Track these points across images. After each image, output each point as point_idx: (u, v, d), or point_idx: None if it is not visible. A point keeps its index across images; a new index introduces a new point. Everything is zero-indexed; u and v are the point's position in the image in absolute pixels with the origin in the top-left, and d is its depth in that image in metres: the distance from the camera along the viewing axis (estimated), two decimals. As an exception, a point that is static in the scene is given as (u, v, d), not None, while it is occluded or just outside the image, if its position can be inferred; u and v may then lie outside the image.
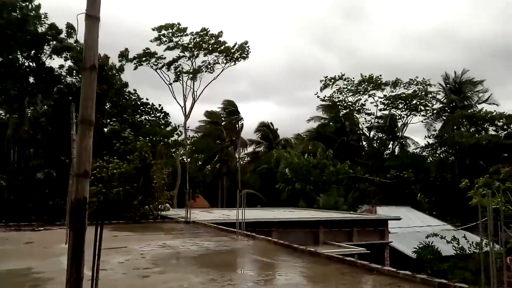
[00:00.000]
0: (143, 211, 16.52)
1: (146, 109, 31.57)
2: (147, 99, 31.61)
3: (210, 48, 37.53)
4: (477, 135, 37.90)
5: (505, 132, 37.89)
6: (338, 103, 46.26)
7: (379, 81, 44.71)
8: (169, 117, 32.95)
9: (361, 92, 45.86)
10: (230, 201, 38.98)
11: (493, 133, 38.46)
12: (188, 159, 42.11)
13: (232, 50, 37.86)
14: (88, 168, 2.91)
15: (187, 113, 38.49)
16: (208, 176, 47.68)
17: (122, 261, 7.89)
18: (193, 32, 36.86)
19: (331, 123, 44.14)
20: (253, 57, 69.31)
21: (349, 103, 46.60)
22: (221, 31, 37.29)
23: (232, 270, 7.71)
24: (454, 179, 37.04)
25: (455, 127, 40.00)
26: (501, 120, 38.05)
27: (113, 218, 15.23)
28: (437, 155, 43.03)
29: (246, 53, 38.16)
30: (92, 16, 2.98)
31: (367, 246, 18.29)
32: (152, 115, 31.59)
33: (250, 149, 49.91)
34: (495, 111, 38.53)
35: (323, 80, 46.37)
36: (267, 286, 6.56)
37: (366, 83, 45.06)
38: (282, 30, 76.80)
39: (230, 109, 46.01)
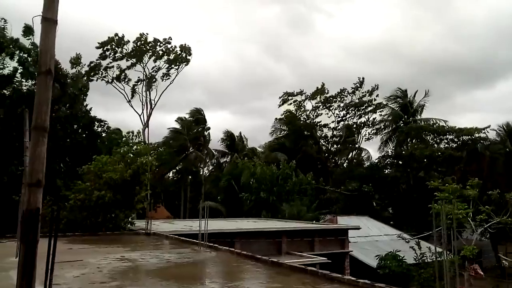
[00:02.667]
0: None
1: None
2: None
3: (159, 53, 37.44)
4: (432, 147, 39.87)
5: (455, 145, 40.09)
6: (297, 116, 47.30)
7: (327, 95, 46.26)
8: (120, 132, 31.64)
9: (319, 107, 47.30)
10: (193, 212, 38.39)
11: (444, 145, 40.64)
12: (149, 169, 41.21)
13: (176, 51, 37.75)
14: (41, 177, 2.77)
15: (145, 122, 37.82)
16: (170, 186, 46.76)
17: (77, 275, 7.51)
18: (135, 40, 36.64)
19: (291, 136, 44.97)
20: (206, 65, 69.98)
21: (306, 116, 47.85)
22: (170, 37, 37.39)
23: (194, 282, 7.54)
24: (410, 189, 38.68)
25: (408, 140, 41.75)
26: (452, 133, 40.24)
27: (76, 229, 14.60)
28: (394, 166, 44.71)
29: (189, 53, 38.20)
30: (49, 19, 2.87)
31: (328, 256, 18.57)
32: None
33: (214, 159, 49.69)
34: (447, 125, 40.80)
35: (281, 96, 47.57)
36: (229, 298, 6.48)
37: (319, 96, 46.53)
38: (233, 38, 77.55)
39: (197, 117, 45.70)
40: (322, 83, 46.89)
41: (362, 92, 46.57)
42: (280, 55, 76.68)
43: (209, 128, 46.23)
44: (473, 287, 26.56)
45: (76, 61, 34.15)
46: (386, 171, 44.83)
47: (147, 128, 37.58)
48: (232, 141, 47.12)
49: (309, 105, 47.97)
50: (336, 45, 77.07)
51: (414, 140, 41.02)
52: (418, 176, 38.61)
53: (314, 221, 26.61)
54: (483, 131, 38.75)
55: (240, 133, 47.92)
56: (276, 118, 47.54)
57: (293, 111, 47.53)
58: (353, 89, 46.66)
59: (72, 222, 15.01)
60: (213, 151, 48.00)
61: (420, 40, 75.28)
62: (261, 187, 31.97)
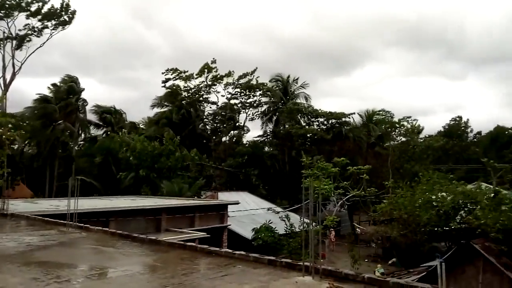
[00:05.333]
0: None
1: None
2: None
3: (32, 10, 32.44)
4: (305, 128, 43.59)
5: (325, 127, 44.49)
6: (181, 92, 45.95)
7: (216, 73, 46.02)
8: None
9: (206, 84, 46.78)
10: (61, 190, 34.89)
11: (316, 127, 44.81)
12: (7, 141, 35.79)
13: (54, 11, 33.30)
14: None
15: (4, 87, 32.52)
16: (34, 162, 41.43)
17: None
18: None
19: (177, 111, 43.84)
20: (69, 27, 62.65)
21: (192, 92, 46.94)
22: None
23: (59, 266, 6.89)
24: (285, 166, 41.83)
25: (287, 122, 44.76)
26: (323, 117, 44.47)
27: None
28: (272, 145, 47.64)
29: (70, 14, 34.12)
30: None
31: (208, 230, 19.02)
32: None
33: (88, 132, 45.51)
34: (320, 109, 44.91)
35: (164, 73, 45.68)
36: (100, 280, 6.11)
37: (206, 73, 45.88)
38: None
39: (70, 85, 40.91)
40: (214, 58, 46.04)
41: (249, 77, 47.06)
42: (152, 22, 72.97)
43: (84, 99, 42.10)
44: (333, 252, 30.49)
45: None
46: (266, 149, 47.50)
47: (5, 95, 32.35)
48: (109, 113, 43.84)
49: (194, 81, 47.12)
50: (212, 20, 77.00)
51: (291, 121, 44.11)
52: (292, 155, 41.91)
53: (195, 197, 26.81)
54: (348, 117, 43.80)
55: (115, 107, 44.74)
56: (162, 93, 45.51)
57: (179, 86, 46.16)
58: (243, 74, 46.94)
59: None
60: (87, 123, 44.00)
61: (290, 25, 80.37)
62: (141, 164, 30.70)
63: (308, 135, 42.16)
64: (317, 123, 45.37)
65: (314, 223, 10.34)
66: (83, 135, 44.98)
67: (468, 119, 60.55)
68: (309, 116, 45.15)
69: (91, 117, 44.27)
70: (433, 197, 19.81)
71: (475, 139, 60.34)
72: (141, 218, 17.42)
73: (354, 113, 44.54)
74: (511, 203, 15.70)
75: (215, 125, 49.57)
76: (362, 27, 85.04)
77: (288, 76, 47.37)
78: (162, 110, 44.89)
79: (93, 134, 44.57)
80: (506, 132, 54.20)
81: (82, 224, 10.88)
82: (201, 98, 47.60)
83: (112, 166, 33.69)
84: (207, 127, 49.25)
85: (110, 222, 15.54)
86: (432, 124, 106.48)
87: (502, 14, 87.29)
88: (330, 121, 44.17)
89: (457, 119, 61.14)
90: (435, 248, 23.00)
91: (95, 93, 74.49)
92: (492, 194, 18.54)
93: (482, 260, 13.58)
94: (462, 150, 53.67)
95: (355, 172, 22.68)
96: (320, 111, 44.45)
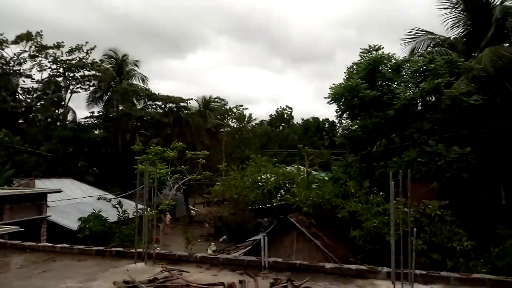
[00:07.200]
0: None
1: None
2: None
3: None
4: (142, 111, 41.90)
5: (162, 111, 43.72)
6: None
7: (38, 43, 39.80)
8: None
9: (27, 53, 39.69)
10: None
11: (153, 110, 43.64)
12: None
13: None
14: None
15: None
16: None
17: None
18: None
19: None
20: None
21: (4, 61, 39.23)
22: None
23: None
24: (117, 151, 39.41)
25: (121, 104, 41.80)
26: (160, 100, 43.52)
27: None
28: (103, 127, 43.85)
29: None
30: None
31: (22, 224, 16.42)
32: None
33: None
34: (159, 93, 43.66)
35: None
36: None
37: (25, 41, 39.16)
38: None
39: None
40: (41, 30, 39.17)
41: (83, 54, 41.74)
42: None
43: None
44: (168, 235, 30.65)
45: None
46: (96, 131, 43.43)
47: None
48: None
49: (9, 49, 39.26)
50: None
51: (125, 103, 41.49)
52: (126, 138, 39.77)
53: (5, 186, 22.75)
54: (186, 102, 44.00)
55: None
56: None
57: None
58: (71, 49, 41.17)
59: None
60: None
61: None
62: None
63: (145, 118, 40.58)
64: (154, 106, 44.11)
65: (149, 209, 10.13)
66: None
67: (292, 109, 68.96)
68: (146, 99, 43.42)
69: None
70: (259, 178, 21.92)
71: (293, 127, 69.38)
72: None
73: (192, 99, 45.11)
74: (319, 182, 18.68)
75: (31, 102, 42.37)
76: (194, 11, 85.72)
77: (125, 55, 43.75)
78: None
79: None
80: (320, 123, 64.04)
81: None
82: (12, 70, 40.02)
83: None
84: (21, 104, 41.71)
85: None
86: (259, 112, 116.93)
87: (317, 19, 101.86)
88: (168, 105, 43.57)
89: (283, 109, 68.95)
90: (260, 224, 25.67)
91: None
92: (305, 175, 21.71)
93: (296, 231, 15.82)
94: (284, 137, 61.00)
95: (192, 156, 23.15)
96: (158, 94, 43.27)
